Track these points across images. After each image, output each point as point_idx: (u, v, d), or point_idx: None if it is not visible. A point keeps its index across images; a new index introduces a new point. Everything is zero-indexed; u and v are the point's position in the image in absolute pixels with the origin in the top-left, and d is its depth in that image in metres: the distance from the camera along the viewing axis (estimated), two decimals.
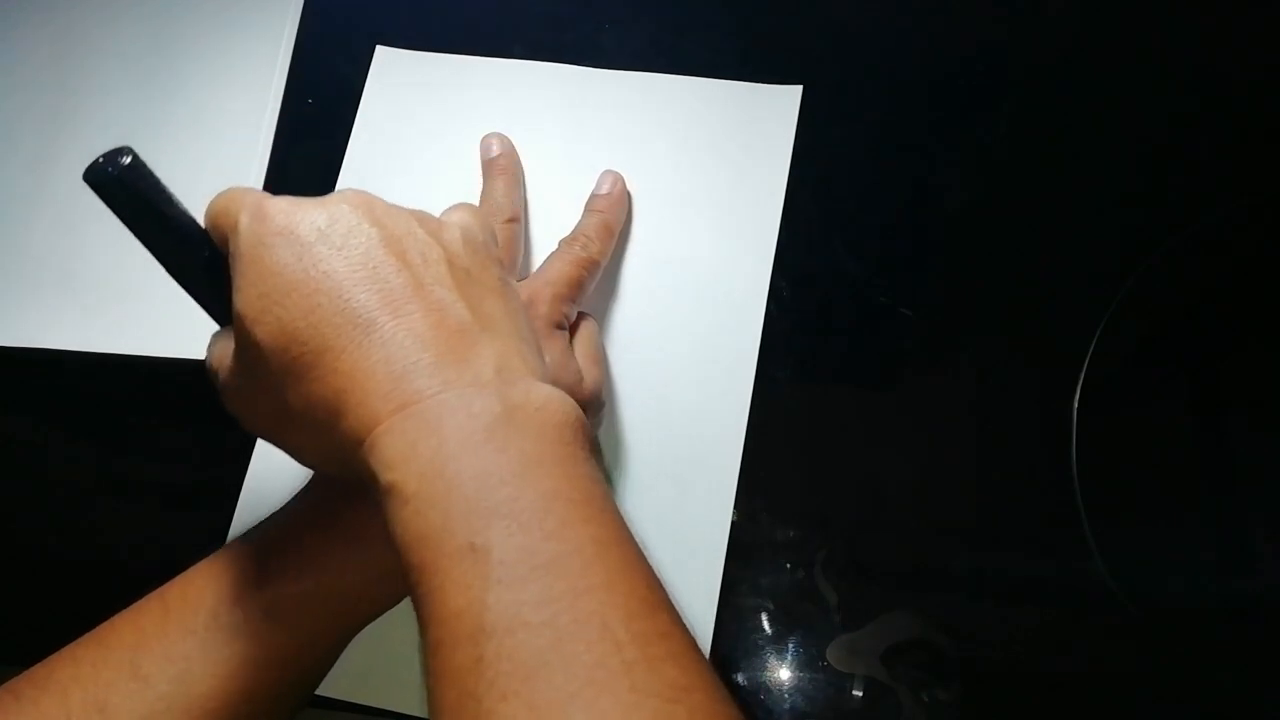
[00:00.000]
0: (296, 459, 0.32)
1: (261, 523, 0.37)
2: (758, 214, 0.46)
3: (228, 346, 0.32)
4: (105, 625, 0.34)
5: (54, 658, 0.34)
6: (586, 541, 0.25)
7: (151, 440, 0.48)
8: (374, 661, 0.40)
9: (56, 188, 0.52)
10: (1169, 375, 0.42)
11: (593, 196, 0.46)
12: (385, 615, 0.37)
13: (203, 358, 0.46)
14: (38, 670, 0.33)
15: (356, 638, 0.37)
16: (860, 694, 0.39)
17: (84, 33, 0.55)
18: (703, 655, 0.24)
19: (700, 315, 0.45)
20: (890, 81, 0.48)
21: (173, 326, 0.48)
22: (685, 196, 0.47)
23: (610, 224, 0.45)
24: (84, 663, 0.33)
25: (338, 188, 0.49)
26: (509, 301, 0.32)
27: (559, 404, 0.28)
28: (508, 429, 0.26)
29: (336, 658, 0.37)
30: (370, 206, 0.31)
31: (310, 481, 0.38)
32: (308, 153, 0.51)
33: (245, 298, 0.29)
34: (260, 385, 0.30)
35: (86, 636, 0.34)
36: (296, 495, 0.38)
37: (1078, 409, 0.41)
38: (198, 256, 0.33)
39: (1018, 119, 0.47)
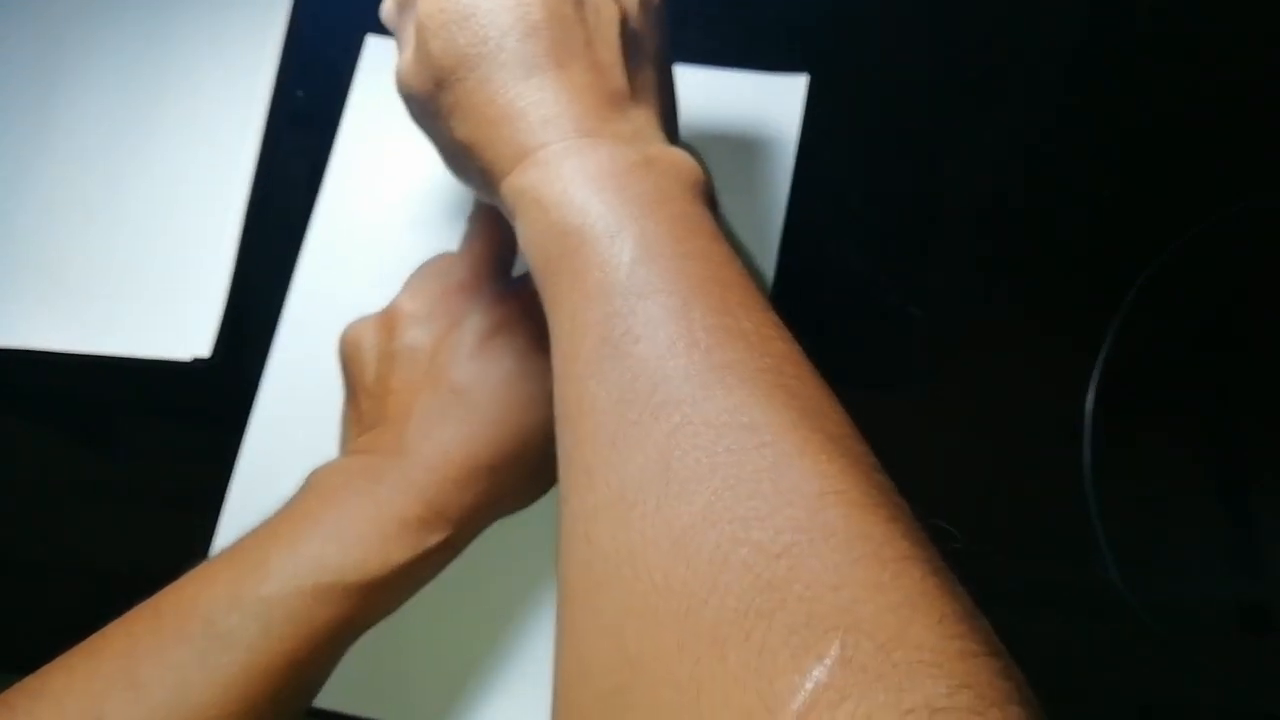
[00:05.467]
0: (439, 152, 0.35)
1: (253, 528, 0.36)
2: (761, 208, 0.45)
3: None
4: (97, 635, 0.34)
5: (47, 668, 0.33)
6: (712, 254, 0.28)
7: (144, 443, 0.47)
8: (371, 671, 0.39)
9: (45, 182, 0.51)
10: (1185, 376, 0.42)
11: None
12: (382, 624, 0.37)
13: (191, 358, 0.46)
14: (30, 681, 0.33)
15: (353, 647, 0.36)
16: None
17: (71, 23, 0.54)
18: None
19: None
20: (898, 71, 0.47)
21: (165, 327, 0.47)
22: None
23: None
24: (78, 672, 0.33)
25: (326, 178, 0.49)
26: (662, 73, 0.35)
27: (690, 164, 0.31)
28: (644, 171, 0.29)
29: (334, 666, 0.36)
30: None
31: (302, 484, 0.38)
32: (298, 143, 0.50)
33: (429, 6, 0.32)
34: (426, 83, 0.33)
35: (79, 646, 0.34)
36: (288, 498, 0.37)
37: (1091, 410, 0.40)
38: None
39: (1030, 109, 0.46)
